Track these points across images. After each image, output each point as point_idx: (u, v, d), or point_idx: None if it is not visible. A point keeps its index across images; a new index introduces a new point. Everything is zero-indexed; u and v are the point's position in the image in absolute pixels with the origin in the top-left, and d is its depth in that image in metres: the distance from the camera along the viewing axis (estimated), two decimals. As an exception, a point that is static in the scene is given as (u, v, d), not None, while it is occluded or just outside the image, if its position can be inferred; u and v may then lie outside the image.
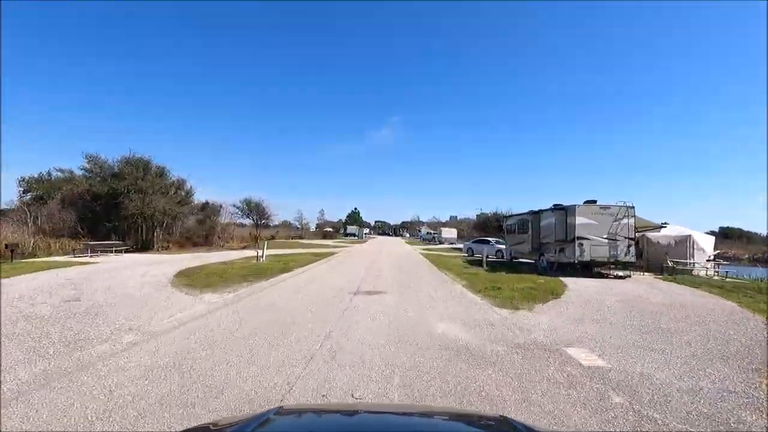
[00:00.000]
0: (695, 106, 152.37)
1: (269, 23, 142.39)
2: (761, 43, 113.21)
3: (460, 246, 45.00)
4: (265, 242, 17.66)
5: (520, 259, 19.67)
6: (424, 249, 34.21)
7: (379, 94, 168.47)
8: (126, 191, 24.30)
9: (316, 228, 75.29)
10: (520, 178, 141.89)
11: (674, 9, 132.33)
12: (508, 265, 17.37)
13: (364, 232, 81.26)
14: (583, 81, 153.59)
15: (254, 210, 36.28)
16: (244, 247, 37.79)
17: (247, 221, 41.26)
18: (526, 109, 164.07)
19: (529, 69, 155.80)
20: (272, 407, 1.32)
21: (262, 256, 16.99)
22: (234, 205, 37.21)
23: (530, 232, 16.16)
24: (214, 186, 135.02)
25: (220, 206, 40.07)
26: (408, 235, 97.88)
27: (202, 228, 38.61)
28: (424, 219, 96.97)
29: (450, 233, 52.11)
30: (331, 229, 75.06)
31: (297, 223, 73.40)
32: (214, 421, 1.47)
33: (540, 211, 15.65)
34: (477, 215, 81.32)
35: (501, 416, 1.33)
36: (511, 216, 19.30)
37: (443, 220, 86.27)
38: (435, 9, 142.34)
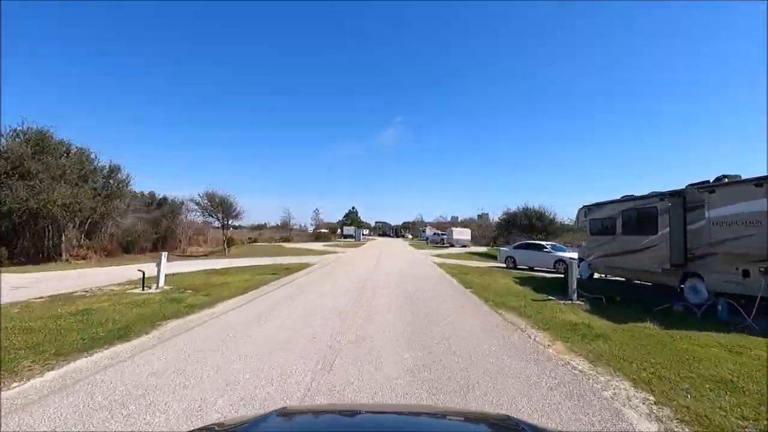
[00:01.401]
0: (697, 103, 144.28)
1: (272, 24, 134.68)
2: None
3: (479, 250, 37.02)
4: (163, 255, 9.93)
5: (603, 276, 11.94)
6: (435, 255, 26.45)
7: (382, 95, 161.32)
8: (5, 175, 16.58)
9: (314, 229, 68.05)
10: (519, 179, 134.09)
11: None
12: (606, 293, 9.39)
13: (362, 233, 73.64)
14: (589, 79, 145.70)
15: (219, 207, 28.43)
16: (209, 254, 30.14)
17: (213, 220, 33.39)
18: (526, 108, 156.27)
19: (531, 69, 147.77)
20: (275, 408, 1.22)
21: (158, 281, 9.23)
22: (193, 201, 29.33)
23: (664, 231, 8.36)
24: (210, 187, 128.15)
25: (182, 203, 32.29)
26: (410, 236, 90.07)
27: (157, 229, 30.94)
28: (428, 219, 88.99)
29: (462, 234, 44.21)
30: (326, 230, 67.23)
31: (293, 225, 66.59)
32: (218, 422, 1.41)
33: (694, 189, 7.83)
34: (478, 215, 73.91)
35: (505, 416, 1.30)
36: (601, 205, 11.34)
37: (449, 219, 78.51)
38: (437, 9, 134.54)
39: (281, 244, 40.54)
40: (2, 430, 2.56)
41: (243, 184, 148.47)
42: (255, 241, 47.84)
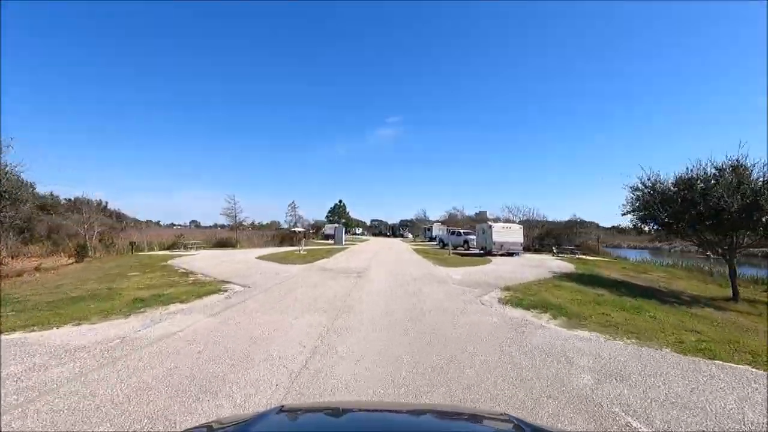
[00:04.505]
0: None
1: (265, 23, 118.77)
2: None
3: (563, 266, 19.03)
4: None
5: None
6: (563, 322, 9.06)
7: (378, 95, 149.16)
8: None
9: (291, 227, 51.20)
10: (515, 179, 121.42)
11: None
12: None
13: (355, 231, 56.64)
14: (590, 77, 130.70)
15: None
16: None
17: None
18: (522, 107, 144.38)
19: (530, 67, 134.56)
20: (273, 406, 1.26)
21: None
22: None
23: None
24: (206, 190, 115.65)
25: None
26: (410, 236, 72.75)
27: None
28: (433, 217, 71.27)
29: (507, 234, 26.56)
30: (301, 229, 49.61)
31: (283, 223, 51.59)
32: (217, 420, 1.36)
33: None
34: (476, 214, 57.99)
35: (504, 414, 1.28)
36: None
37: (464, 213, 61.22)
38: (434, 9, 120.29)
39: (190, 254, 22.93)
40: (2, 430, 2.49)
41: (239, 187, 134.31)
42: (173, 245, 30.25)
